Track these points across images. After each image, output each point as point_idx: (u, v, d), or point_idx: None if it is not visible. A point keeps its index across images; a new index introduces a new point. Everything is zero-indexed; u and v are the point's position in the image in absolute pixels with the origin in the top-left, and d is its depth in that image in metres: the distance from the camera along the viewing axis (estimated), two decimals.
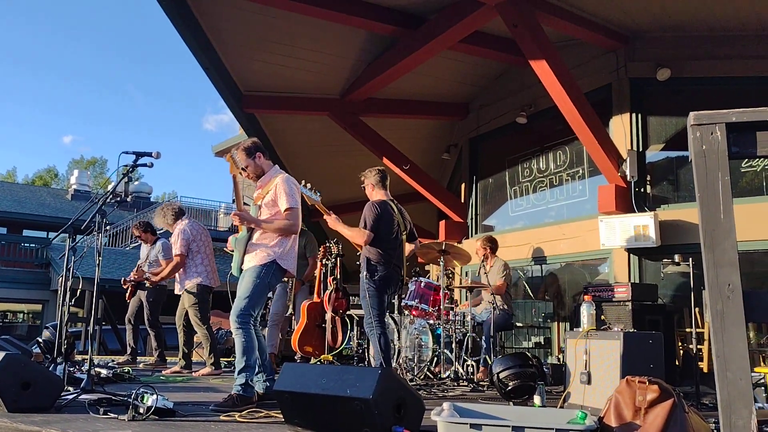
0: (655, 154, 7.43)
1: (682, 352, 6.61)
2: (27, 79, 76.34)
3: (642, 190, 7.21)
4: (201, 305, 6.52)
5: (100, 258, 4.33)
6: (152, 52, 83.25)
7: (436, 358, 6.26)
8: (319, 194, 5.25)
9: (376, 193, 5.38)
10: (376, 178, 5.40)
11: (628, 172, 7.04)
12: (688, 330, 6.42)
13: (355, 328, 7.00)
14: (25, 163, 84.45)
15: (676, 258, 5.88)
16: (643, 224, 6.70)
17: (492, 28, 7.49)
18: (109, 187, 4.65)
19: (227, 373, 6.65)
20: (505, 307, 6.75)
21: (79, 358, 6.78)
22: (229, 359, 8.07)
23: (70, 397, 4.00)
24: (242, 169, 4.37)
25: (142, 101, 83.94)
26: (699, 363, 5.54)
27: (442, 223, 9.66)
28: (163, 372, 6.63)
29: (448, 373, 6.12)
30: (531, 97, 8.38)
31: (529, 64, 6.77)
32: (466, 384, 5.88)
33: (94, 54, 76.95)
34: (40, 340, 7.08)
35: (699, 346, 5.60)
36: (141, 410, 3.52)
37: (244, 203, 4.50)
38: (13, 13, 71.42)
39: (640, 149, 7.28)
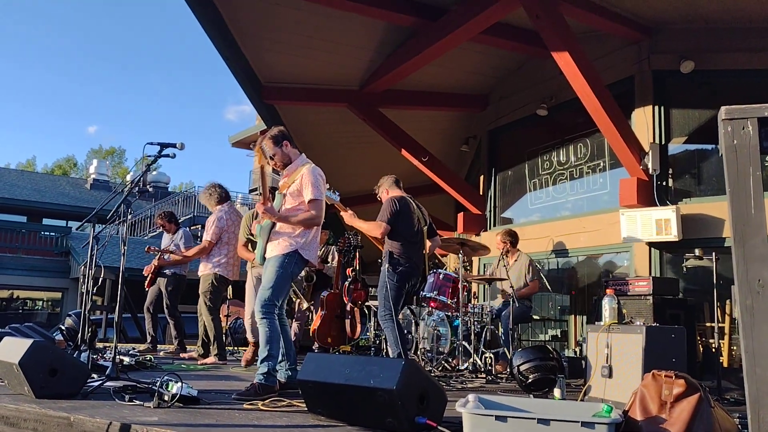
0: (677, 147, 7.35)
1: (701, 347, 6.56)
2: (54, 76, 77.62)
3: (664, 183, 7.14)
4: (214, 294, 6.60)
5: (125, 247, 4.37)
6: (176, 47, 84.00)
7: (454, 350, 6.27)
8: (338, 194, 5.25)
9: (392, 193, 5.45)
10: (390, 181, 5.56)
11: (650, 165, 6.96)
12: (708, 325, 6.37)
13: (373, 319, 7.03)
14: (44, 152, 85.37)
15: (698, 252, 5.82)
16: (664, 218, 6.64)
17: (513, 19, 7.43)
18: (128, 177, 4.68)
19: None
20: (525, 300, 6.74)
21: (100, 345, 6.87)
22: None
23: (96, 384, 4.05)
24: (270, 157, 4.37)
25: (167, 92, 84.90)
26: (720, 358, 5.50)
27: (460, 216, 9.63)
28: (181, 355, 6.73)
29: (466, 365, 6.13)
30: (552, 88, 8.31)
31: (550, 55, 6.71)
32: (484, 376, 5.88)
33: (120, 50, 78.20)
34: (63, 327, 7.20)
35: (720, 341, 5.55)
36: (166, 398, 3.57)
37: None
38: (43, 18, 74.46)
39: (663, 142, 7.20)
